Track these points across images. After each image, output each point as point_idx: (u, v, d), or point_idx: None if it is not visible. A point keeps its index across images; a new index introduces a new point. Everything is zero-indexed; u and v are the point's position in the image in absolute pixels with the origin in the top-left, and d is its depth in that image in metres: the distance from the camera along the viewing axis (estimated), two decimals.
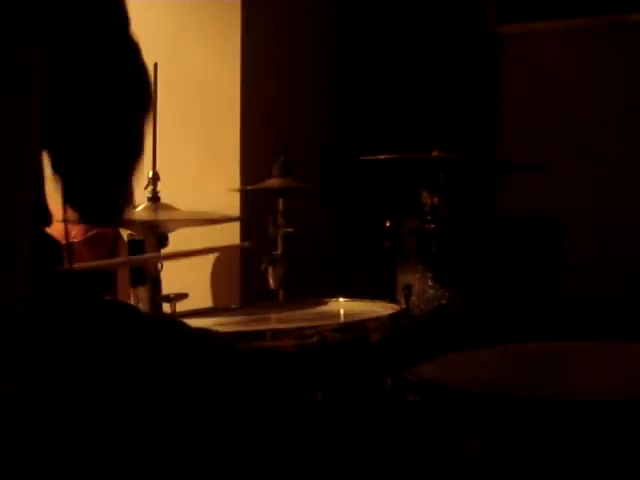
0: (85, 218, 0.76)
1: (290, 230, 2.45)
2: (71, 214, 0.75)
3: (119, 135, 0.76)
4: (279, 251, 2.43)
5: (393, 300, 2.14)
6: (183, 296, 2.21)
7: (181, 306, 2.25)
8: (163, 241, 2.17)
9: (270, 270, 2.39)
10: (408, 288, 2.12)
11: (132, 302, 2.09)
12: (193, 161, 2.97)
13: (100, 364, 0.62)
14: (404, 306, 2.05)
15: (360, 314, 1.93)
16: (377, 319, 1.84)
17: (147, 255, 2.09)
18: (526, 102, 3.41)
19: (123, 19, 0.79)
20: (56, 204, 0.80)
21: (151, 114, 0.82)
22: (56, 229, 0.76)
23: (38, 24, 0.47)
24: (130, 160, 0.77)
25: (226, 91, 2.98)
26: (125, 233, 2.47)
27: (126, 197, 0.79)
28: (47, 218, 0.72)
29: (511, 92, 3.46)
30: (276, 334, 1.73)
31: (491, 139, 3.41)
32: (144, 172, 2.14)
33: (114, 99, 0.75)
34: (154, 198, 2.20)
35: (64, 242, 0.73)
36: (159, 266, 2.14)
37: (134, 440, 0.60)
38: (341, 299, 2.13)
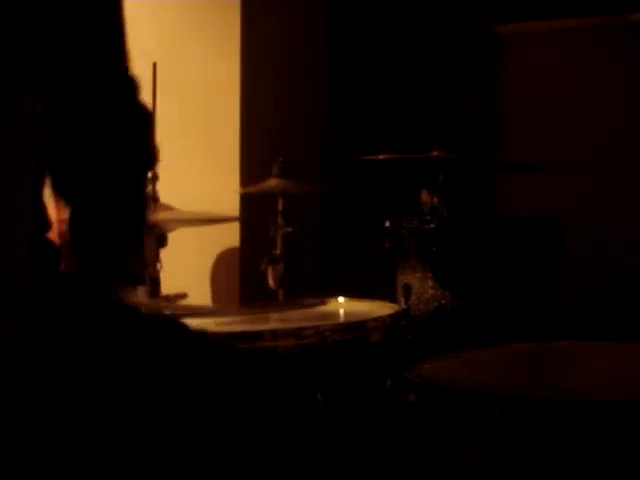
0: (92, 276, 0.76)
1: (290, 230, 2.45)
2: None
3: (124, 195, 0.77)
4: (279, 251, 2.43)
5: (393, 300, 2.14)
6: (183, 296, 2.21)
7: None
8: (163, 241, 2.17)
9: (270, 270, 2.39)
10: (408, 288, 2.12)
11: (131, 302, 2.09)
12: (193, 161, 2.97)
13: (99, 364, 0.61)
14: (404, 306, 2.05)
15: (360, 314, 1.93)
16: (377, 319, 1.84)
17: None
18: (526, 102, 3.41)
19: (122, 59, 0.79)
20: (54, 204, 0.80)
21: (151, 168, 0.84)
22: (55, 228, 0.76)
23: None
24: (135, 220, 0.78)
25: (226, 91, 2.98)
26: None
27: (129, 254, 0.80)
28: (46, 222, 0.72)
29: (511, 92, 3.46)
30: (276, 334, 1.73)
31: (491, 139, 3.41)
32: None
33: (117, 158, 0.76)
34: (154, 198, 2.20)
35: (61, 242, 0.73)
36: (158, 266, 2.14)
37: (133, 438, 0.60)
38: (341, 299, 2.13)
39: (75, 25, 0.74)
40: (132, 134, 0.80)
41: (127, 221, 0.80)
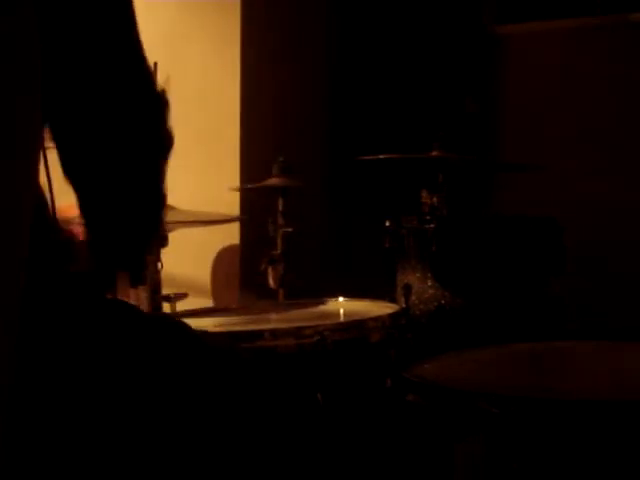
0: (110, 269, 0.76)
1: (290, 230, 2.45)
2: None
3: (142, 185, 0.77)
4: (279, 251, 2.43)
5: (393, 300, 2.14)
6: (183, 296, 2.21)
7: (181, 306, 2.25)
8: (163, 241, 2.17)
9: (270, 270, 2.39)
10: (408, 288, 2.12)
11: (132, 302, 2.09)
12: (193, 161, 2.97)
13: (101, 362, 0.61)
14: (404, 306, 2.05)
15: (360, 314, 1.93)
16: (377, 319, 1.84)
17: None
18: (526, 102, 3.41)
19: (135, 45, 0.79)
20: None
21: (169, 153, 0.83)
22: (77, 229, 0.76)
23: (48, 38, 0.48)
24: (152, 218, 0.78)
25: (226, 91, 2.98)
26: None
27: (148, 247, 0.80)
28: (53, 223, 0.72)
29: (511, 92, 3.46)
30: (276, 334, 1.73)
31: (491, 139, 3.41)
32: None
33: (136, 144, 0.76)
34: None
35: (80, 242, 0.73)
36: (159, 266, 2.14)
37: (133, 438, 0.60)
38: (341, 299, 2.13)
39: (85, 14, 0.74)
40: (146, 119, 0.80)
41: (144, 214, 0.79)
